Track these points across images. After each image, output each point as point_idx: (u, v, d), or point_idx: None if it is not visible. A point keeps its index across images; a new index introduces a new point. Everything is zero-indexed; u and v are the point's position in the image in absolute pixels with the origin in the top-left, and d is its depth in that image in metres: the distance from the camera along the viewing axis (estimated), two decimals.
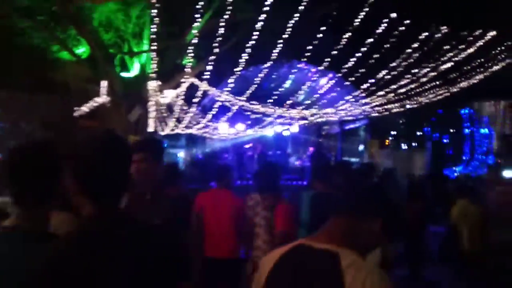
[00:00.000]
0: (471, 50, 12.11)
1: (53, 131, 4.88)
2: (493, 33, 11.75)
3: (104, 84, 12.91)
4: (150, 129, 13.65)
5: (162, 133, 14.08)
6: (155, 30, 11.19)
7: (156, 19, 10.77)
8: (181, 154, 19.03)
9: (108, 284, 1.53)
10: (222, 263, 4.78)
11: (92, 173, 1.61)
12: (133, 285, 1.55)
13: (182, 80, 12.98)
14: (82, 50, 13.57)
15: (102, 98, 12.99)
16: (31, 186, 1.77)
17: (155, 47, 11.90)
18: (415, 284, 7.79)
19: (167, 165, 5.88)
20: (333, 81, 13.96)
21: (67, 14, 11.82)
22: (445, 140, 23.63)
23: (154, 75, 12.44)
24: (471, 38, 11.82)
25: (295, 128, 18.62)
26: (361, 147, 22.12)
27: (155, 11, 10.58)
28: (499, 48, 13.10)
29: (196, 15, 10.80)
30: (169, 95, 13.49)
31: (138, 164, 2.98)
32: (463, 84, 13.88)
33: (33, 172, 1.77)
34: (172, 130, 13.98)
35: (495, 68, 13.84)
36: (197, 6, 10.51)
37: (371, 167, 6.05)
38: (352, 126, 20.03)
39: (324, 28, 11.28)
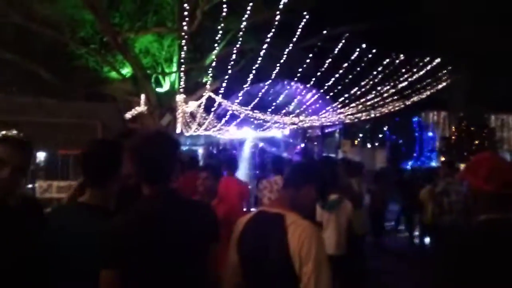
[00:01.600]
0: (421, 72, 12.14)
1: (110, 131, 4.92)
2: (438, 60, 11.78)
3: (142, 97, 12.91)
4: (178, 131, 13.66)
5: (187, 134, 14.05)
6: (182, 55, 11.21)
7: (183, 48, 10.79)
8: (200, 150, 18.98)
9: (164, 249, 1.56)
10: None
11: (148, 163, 1.63)
12: (183, 248, 1.59)
13: (203, 94, 13.00)
14: (127, 70, 13.57)
15: (141, 108, 12.99)
16: (100, 172, 1.76)
17: (182, 69, 11.93)
18: (377, 249, 7.84)
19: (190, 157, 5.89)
20: (316, 96, 13.96)
21: (116, 43, 11.81)
22: (400, 141, 23.61)
23: (181, 90, 12.46)
24: (421, 64, 11.85)
25: (286, 131, 18.60)
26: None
27: (183, 41, 10.61)
28: (441, 72, 13.12)
29: (214, 45, 10.84)
30: (192, 105, 13.48)
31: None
32: (415, 98, 13.86)
33: (102, 161, 1.76)
34: (194, 132, 13.96)
35: (439, 86, 13.85)
36: (215, 38, 10.57)
37: (328, 158, 6.13)
38: (330, 130, 19.99)
39: (310, 55, 11.30)
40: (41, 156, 8.48)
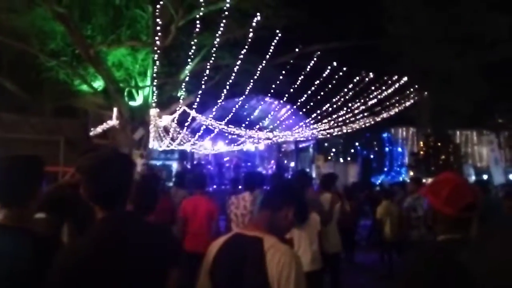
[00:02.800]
0: (390, 90, 12.54)
1: (73, 148, 4.73)
2: (405, 78, 12.21)
3: (115, 110, 12.62)
4: (150, 145, 13.39)
5: (160, 149, 13.81)
6: (156, 70, 11.09)
7: (157, 62, 10.68)
8: (174, 165, 18.70)
9: (123, 276, 1.46)
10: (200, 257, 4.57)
11: (106, 186, 1.53)
12: (143, 274, 1.49)
13: (177, 108, 12.85)
14: (98, 84, 13.25)
15: (113, 121, 12.68)
16: (16, 191, 1.63)
17: (156, 83, 11.77)
18: (349, 265, 7.84)
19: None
20: (290, 111, 14.11)
21: (87, 56, 11.54)
22: (371, 156, 24.11)
23: (154, 104, 12.26)
24: (390, 82, 12.24)
25: (261, 146, 18.66)
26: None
27: (156, 56, 10.51)
28: (409, 90, 13.62)
29: (188, 60, 10.80)
30: (165, 119, 13.29)
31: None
32: (384, 114, 14.26)
33: (18, 179, 1.63)
34: (168, 146, 13.72)
35: (407, 103, 14.33)
36: (189, 53, 10.54)
37: (304, 173, 6.07)
38: (304, 145, 20.19)
39: (283, 71, 11.46)
40: None
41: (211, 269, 1.72)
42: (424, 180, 9.39)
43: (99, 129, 12.42)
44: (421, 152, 25.30)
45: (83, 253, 1.44)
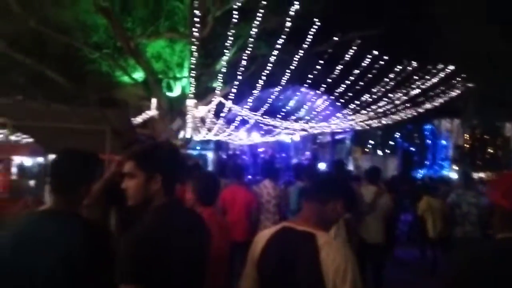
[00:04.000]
0: (434, 80, 11.94)
1: (119, 137, 4.94)
2: (452, 67, 11.57)
3: (154, 101, 12.98)
4: (187, 135, 13.69)
5: (196, 139, 14.08)
6: (193, 61, 11.24)
7: (195, 53, 10.82)
8: (209, 155, 19.02)
9: (187, 264, 1.53)
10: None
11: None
12: (199, 264, 1.59)
13: (213, 99, 13.01)
14: (138, 75, 13.68)
15: (152, 112, 13.07)
16: (68, 179, 1.72)
17: (193, 74, 11.96)
18: (389, 260, 7.67)
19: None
20: (327, 102, 13.85)
21: (128, 48, 11.93)
22: (412, 149, 23.25)
23: (191, 95, 12.48)
24: (435, 71, 11.65)
25: (296, 137, 18.52)
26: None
27: (194, 47, 10.65)
28: (455, 80, 12.90)
29: (225, 51, 10.86)
30: (202, 110, 13.51)
31: None
32: (428, 105, 13.65)
33: (68, 168, 1.73)
34: (204, 136, 13.97)
35: (452, 93, 13.61)
36: (225, 44, 10.59)
37: (341, 164, 6.14)
38: (340, 136, 19.84)
39: (321, 61, 11.22)
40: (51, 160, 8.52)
41: (259, 261, 1.71)
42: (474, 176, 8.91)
43: (139, 119, 12.84)
44: (467, 145, 24.07)
45: (154, 239, 1.48)
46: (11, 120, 4.89)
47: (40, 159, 11.38)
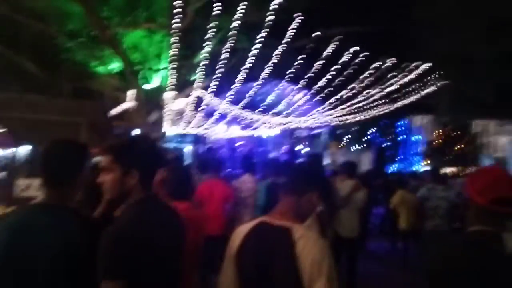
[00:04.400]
0: (410, 77, 12.28)
1: (94, 129, 4.84)
2: (428, 64, 11.91)
3: (130, 92, 12.72)
4: (164, 129, 13.50)
5: (174, 133, 13.91)
6: (172, 52, 11.07)
7: (174, 44, 10.65)
8: (187, 148, 18.82)
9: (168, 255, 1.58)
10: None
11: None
12: (179, 255, 1.66)
13: (192, 92, 12.87)
14: (115, 65, 13.34)
15: (129, 104, 12.80)
16: (59, 172, 1.69)
17: (172, 66, 11.77)
18: (362, 253, 7.87)
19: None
20: (306, 97, 13.99)
21: (104, 37, 11.60)
22: (385, 144, 23.89)
23: (170, 87, 12.30)
24: (411, 68, 11.99)
25: (275, 131, 18.61)
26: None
27: (173, 38, 10.48)
28: (429, 77, 13.29)
29: (205, 43, 10.75)
30: (180, 103, 13.33)
31: None
32: (403, 102, 14.01)
33: (60, 161, 1.69)
34: (183, 130, 13.82)
35: (426, 90, 14.02)
36: (205, 36, 10.48)
37: (318, 157, 6.20)
38: (317, 131, 20.09)
39: (302, 56, 11.30)
40: (22, 152, 8.20)
41: (237, 257, 1.72)
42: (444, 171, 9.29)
43: (115, 111, 12.55)
44: (438, 141, 24.95)
45: (136, 233, 1.51)
46: None
47: (10, 151, 10.94)
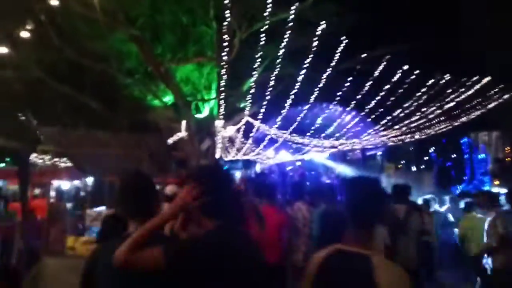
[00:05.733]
0: (469, 92, 11.53)
1: (156, 160, 5.10)
2: (488, 78, 11.16)
3: (183, 123, 13.29)
4: (217, 156, 13.83)
5: (226, 159, 14.19)
6: (221, 83, 11.48)
7: (222, 75, 11.05)
8: (237, 174, 19.07)
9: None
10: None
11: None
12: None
13: (241, 119, 13.14)
14: (168, 98, 14.10)
15: (182, 133, 13.33)
16: (143, 203, 1.77)
17: (221, 95, 12.19)
18: (430, 283, 7.23)
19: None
20: (357, 118, 13.63)
21: (158, 73, 12.37)
22: (448, 164, 22.31)
23: (220, 116, 12.69)
24: (470, 83, 11.27)
25: (325, 155, 18.25)
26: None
27: (222, 70, 10.89)
28: (491, 91, 12.38)
29: (252, 71, 11.01)
30: (230, 130, 13.65)
31: None
32: (463, 118, 13.14)
33: (143, 192, 1.79)
34: (233, 157, 14.06)
35: (489, 105, 13.05)
36: (252, 65, 10.75)
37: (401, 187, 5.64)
38: (371, 152, 19.40)
39: (350, 78, 11.12)
40: (87, 184, 8.78)
41: (314, 283, 1.73)
42: None
43: (170, 141, 13.14)
44: (508, 159, 22.81)
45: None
46: (57, 147, 5.14)
47: (76, 182, 11.81)
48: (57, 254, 5.69)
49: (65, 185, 11.73)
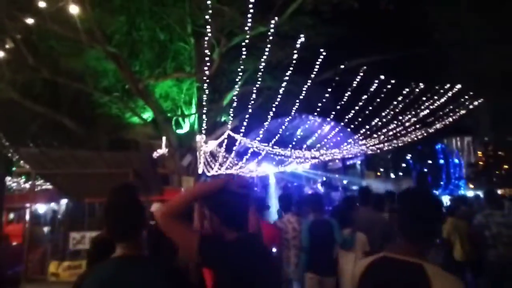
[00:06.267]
0: (442, 100, 11.96)
1: (141, 178, 5.00)
2: (458, 86, 11.62)
3: (164, 139, 13.14)
4: (199, 171, 13.69)
5: (209, 174, 14.07)
6: (201, 98, 11.45)
7: (202, 90, 11.04)
8: None
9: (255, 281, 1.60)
10: None
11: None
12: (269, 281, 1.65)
13: (222, 133, 13.12)
14: (147, 115, 13.93)
15: (162, 150, 13.16)
16: (127, 222, 1.66)
17: (201, 110, 12.14)
18: None
19: None
20: (337, 129, 13.87)
21: (137, 90, 12.22)
22: (425, 169, 22.96)
23: (200, 130, 12.62)
24: (442, 91, 11.70)
25: (307, 165, 18.42)
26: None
27: (201, 84, 10.88)
28: (463, 98, 12.88)
29: (232, 85, 11.08)
30: (211, 145, 13.58)
31: None
32: (438, 125, 13.58)
33: (128, 210, 1.68)
34: (216, 172, 13.96)
35: (461, 112, 13.54)
36: (231, 79, 10.83)
37: (367, 190, 5.83)
38: (351, 161, 19.73)
39: (329, 89, 11.34)
40: (67, 205, 8.48)
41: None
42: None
43: (154, 156, 12.91)
44: (480, 163, 23.72)
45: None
46: (37, 168, 4.96)
47: (53, 205, 11.37)
48: (38, 281, 5.44)
49: (41, 208, 11.27)
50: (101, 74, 12.90)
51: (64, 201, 10.04)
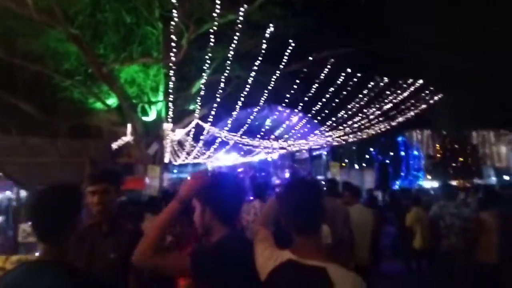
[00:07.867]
0: (405, 94, 12.38)
1: (97, 167, 4.76)
2: (420, 81, 12.04)
3: (129, 126, 12.73)
4: (166, 160, 13.42)
5: (175, 163, 13.84)
6: (168, 84, 11.16)
7: (170, 77, 10.76)
8: (188, 178, 18.63)
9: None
10: None
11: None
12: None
13: (190, 122, 12.90)
14: (112, 101, 13.41)
15: (127, 138, 12.77)
16: (52, 226, 1.54)
17: (169, 97, 11.86)
18: (374, 275, 7.55)
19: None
20: (304, 120, 14.03)
21: (101, 74, 11.71)
22: (387, 161, 23.78)
23: (168, 118, 12.34)
24: (405, 86, 12.10)
25: (275, 156, 18.56)
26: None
27: (169, 71, 10.59)
28: (424, 93, 13.39)
29: (200, 73, 10.87)
30: (179, 133, 13.33)
31: (101, 195, 2.25)
32: (400, 119, 14.05)
33: (54, 214, 1.54)
34: (183, 160, 13.75)
35: (422, 106, 14.08)
36: (200, 67, 10.62)
37: (334, 182, 5.89)
38: (317, 152, 20.04)
39: (296, 80, 11.41)
40: (22, 196, 8.05)
41: None
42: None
43: (115, 145, 12.50)
44: (438, 155, 24.90)
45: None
46: None
47: (8, 193, 10.77)
48: None
49: None
50: (63, 56, 12.22)
51: (21, 190, 9.55)
